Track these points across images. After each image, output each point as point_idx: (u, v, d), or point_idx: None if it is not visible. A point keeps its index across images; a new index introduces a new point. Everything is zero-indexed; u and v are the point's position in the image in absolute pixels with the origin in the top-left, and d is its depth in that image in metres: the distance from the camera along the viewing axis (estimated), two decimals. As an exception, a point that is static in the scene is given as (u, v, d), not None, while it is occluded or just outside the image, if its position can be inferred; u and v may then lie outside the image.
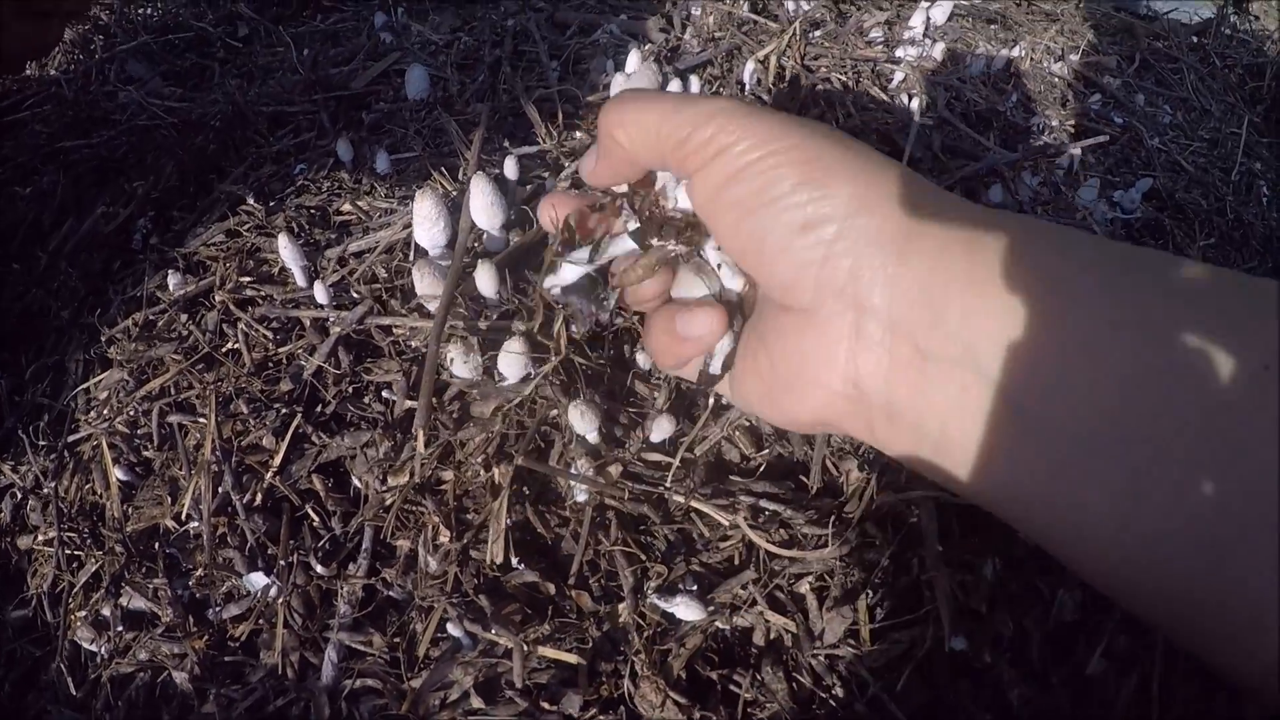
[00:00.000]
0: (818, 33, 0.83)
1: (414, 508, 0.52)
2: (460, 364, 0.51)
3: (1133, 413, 0.24)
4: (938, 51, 0.90)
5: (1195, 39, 1.24)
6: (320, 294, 0.57)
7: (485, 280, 0.54)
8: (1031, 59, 1.02)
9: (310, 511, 0.53)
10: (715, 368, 0.35)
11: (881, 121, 0.76)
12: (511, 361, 0.51)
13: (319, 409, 0.56)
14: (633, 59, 0.66)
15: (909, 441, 0.29)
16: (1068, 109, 0.98)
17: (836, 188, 0.28)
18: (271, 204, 0.63)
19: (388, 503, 0.51)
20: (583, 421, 0.50)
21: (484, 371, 0.53)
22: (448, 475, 0.52)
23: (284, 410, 0.55)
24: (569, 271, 0.36)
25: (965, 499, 0.29)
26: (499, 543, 0.50)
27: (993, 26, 1.12)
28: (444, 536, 0.51)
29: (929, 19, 0.96)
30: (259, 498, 0.53)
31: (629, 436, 0.52)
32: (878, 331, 0.28)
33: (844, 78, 0.77)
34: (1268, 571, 0.21)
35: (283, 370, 0.57)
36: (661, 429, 0.51)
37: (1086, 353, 0.25)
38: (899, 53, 0.88)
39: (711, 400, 0.52)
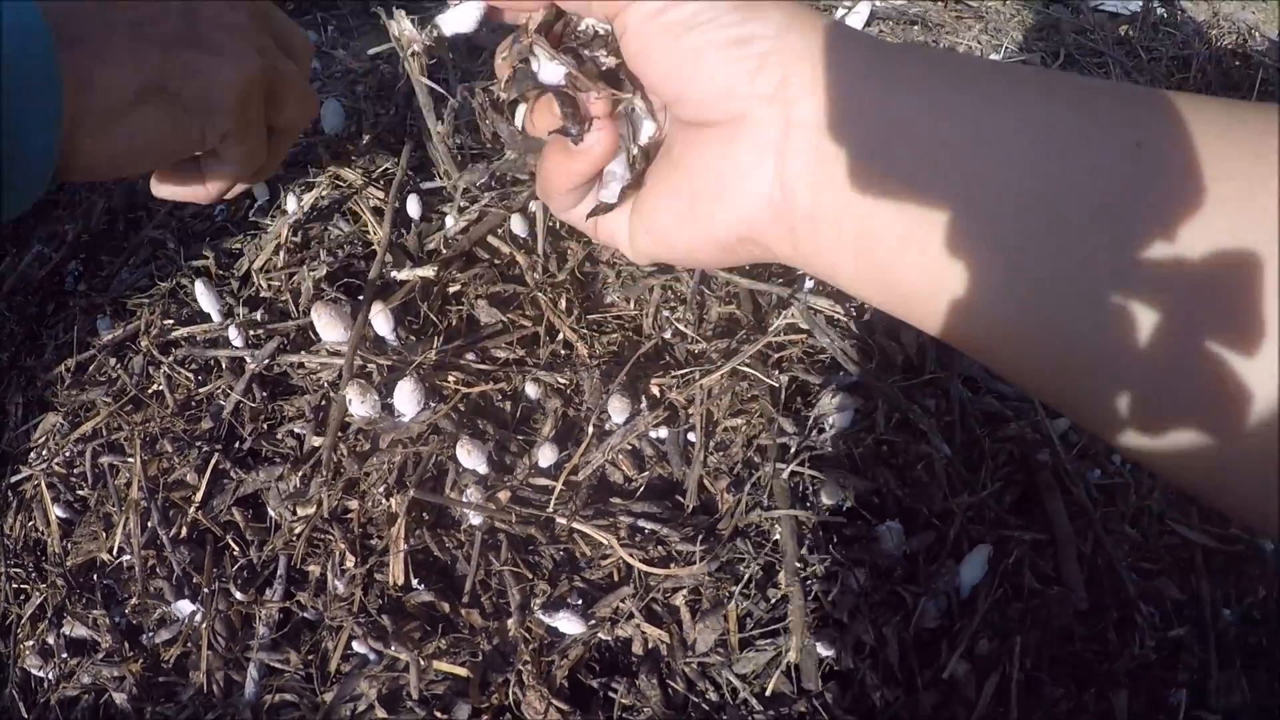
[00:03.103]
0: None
1: (323, 535, 0.56)
2: (358, 403, 0.56)
3: (1024, 185, 0.26)
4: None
5: (1122, 32, 1.25)
6: (234, 335, 0.61)
7: (381, 322, 0.58)
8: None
9: (230, 542, 0.58)
10: (609, 194, 0.35)
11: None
12: (406, 398, 0.56)
13: (237, 445, 0.60)
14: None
15: (829, 244, 0.31)
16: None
17: (768, 11, 0.31)
18: (192, 247, 0.67)
19: (298, 532, 0.56)
20: (470, 458, 0.54)
21: (382, 408, 0.57)
22: (353, 504, 0.57)
23: (205, 448, 0.59)
24: (550, 69, 0.34)
25: (875, 301, 0.32)
26: (399, 566, 0.55)
27: (915, 28, 1.14)
28: (350, 561, 0.55)
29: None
30: (184, 530, 0.58)
31: (518, 463, 0.56)
32: (804, 134, 0.30)
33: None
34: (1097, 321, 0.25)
35: (203, 410, 0.61)
36: (547, 456, 0.56)
37: (976, 132, 0.27)
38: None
39: (591, 430, 0.56)
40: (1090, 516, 0.59)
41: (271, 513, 0.58)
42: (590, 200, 0.36)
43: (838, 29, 0.31)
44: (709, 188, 0.32)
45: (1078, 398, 0.28)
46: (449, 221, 0.64)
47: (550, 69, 0.33)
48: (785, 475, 0.52)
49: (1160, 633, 0.57)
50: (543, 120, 0.34)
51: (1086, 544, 0.58)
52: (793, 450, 0.53)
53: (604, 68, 0.34)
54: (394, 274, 0.61)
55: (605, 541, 0.54)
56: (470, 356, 0.58)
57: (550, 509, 0.55)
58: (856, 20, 0.98)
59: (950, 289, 0.28)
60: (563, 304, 0.61)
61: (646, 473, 0.56)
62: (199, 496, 0.58)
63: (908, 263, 0.29)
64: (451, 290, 0.62)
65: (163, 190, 0.52)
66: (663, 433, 0.57)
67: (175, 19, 0.47)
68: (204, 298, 0.61)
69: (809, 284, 0.64)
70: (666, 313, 0.61)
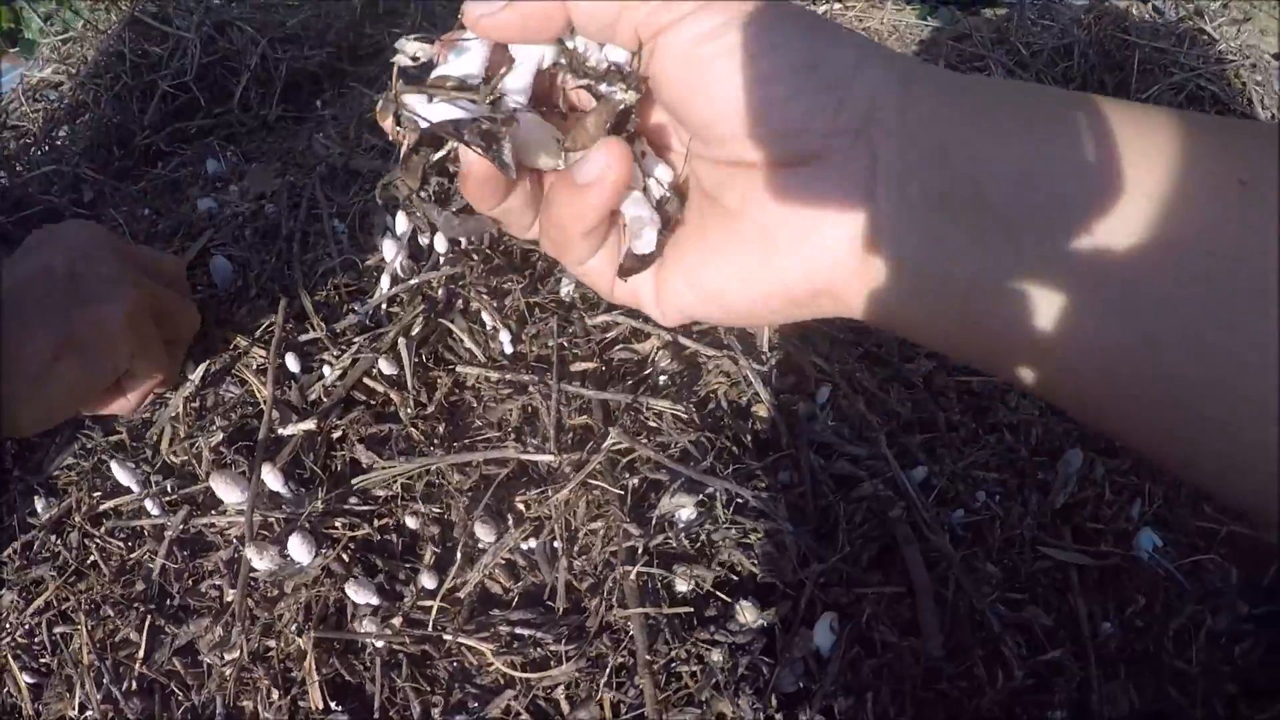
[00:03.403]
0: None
1: (250, 675, 0.64)
2: (258, 560, 0.64)
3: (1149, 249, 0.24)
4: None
5: (999, 33, 1.29)
6: (150, 505, 0.69)
7: (273, 480, 0.66)
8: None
9: (175, 689, 0.66)
10: (644, 244, 0.31)
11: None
12: (299, 549, 0.63)
13: (169, 602, 0.68)
14: (388, 248, 0.76)
15: (910, 294, 0.28)
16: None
17: (842, 38, 0.28)
18: (107, 423, 0.75)
19: (228, 675, 0.64)
20: (360, 594, 0.62)
21: (282, 555, 0.65)
22: (271, 644, 0.65)
23: (141, 608, 0.68)
24: (429, 109, 0.29)
25: (958, 353, 0.30)
26: (316, 694, 0.63)
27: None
28: (275, 694, 0.64)
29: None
30: (133, 684, 0.66)
31: (407, 590, 0.64)
32: (891, 176, 0.27)
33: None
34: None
35: (136, 574, 0.69)
36: (430, 580, 0.64)
37: (1078, 175, 0.25)
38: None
39: (460, 556, 0.64)
40: (950, 560, 0.65)
41: (204, 658, 0.66)
42: (610, 253, 0.32)
43: (916, 63, 0.29)
44: (784, 235, 0.29)
45: (1194, 452, 0.25)
46: (326, 371, 0.72)
47: (435, 108, 0.29)
48: (632, 577, 0.59)
49: (1032, 659, 0.62)
50: (476, 182, 0.30)
51: (948, 588, 0.65)
52: (640, 551, 0.60)
53: (621, 106, 0.30)
54: (281, 431, 0.69)
55: (488, 651, 0.62)
56: (354, 500, 0.66)
57: (436, 628, 0.63)
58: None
59: (1048, 341, 0.26)
60: (439, 433, 0.69)
61: (521, 582, 0.64)
62: (141, 653, 0.66)
63: (1003, 316, 0.26)
64: (335, 436, 0.70)
65: (89, 409, 0.63)
66: (532, 544, 0.65)
67: (64, 285, 0.57)
68: (120, 474, 0.69)
69: (663, 376, 0.71)
70: (528, 429, 0.69)
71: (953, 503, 0.69)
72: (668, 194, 0.32)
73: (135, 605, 0.68)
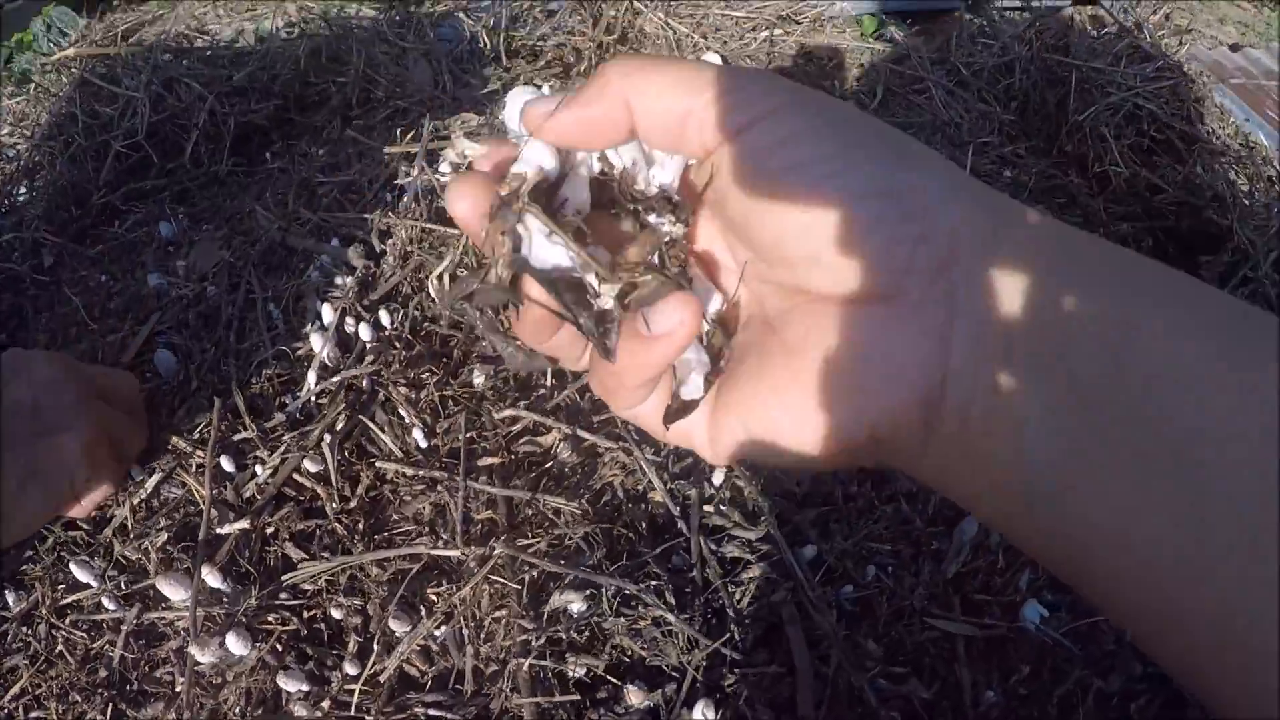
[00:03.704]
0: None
1: (202, 755, 0.72)
2: (200, 654, 0.71)
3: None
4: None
5: (940, 52, 1.29)
6: (107, 601, 0.76)
7: (213, 578, 0.73)
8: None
9: (138, 765, 0.74)
10: (692, 389, 0.29)
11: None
12: (235, 643, 0.71)
13: (128, 688, 0.76)
14: (315, 341, 0.81)
15: (973, 454, 0.25)
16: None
17: (925, 161, 0.26)
18: (64, 521, 0.82)
19: (182, 755, 0.72)
20: (290, 682, 0.69)
21: (221, 648, 0.72)
22: (219, 727, 0.72)
23: (105, 694, 0.75)
24: (545, 248, 0.27)
25: (1005, 528, 0.26)
26: (259, 773, 0.71)
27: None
28: (224, 773, 0.72)
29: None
30: (102, 762, 0.75)
31: (333, 675, 0.71)
32: (968, 325, 0.25)
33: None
34: None
35: (99, 662, 0.77)
36: (353, 668, 0.71)
37: (1173, 358, 0.22)
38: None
39: (377, 646, 0.70)
40: (832, 639, 0.71)
41: (162, 740, 0.74)
42: (661, 396, 0.30)
43: (1006, 201, 0.26)
44: (847, 380, 0.26)
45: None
46: (258, 470, 0.78)
47: (547, 249, 0.26)
48: (525, 668, 0.66)
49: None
50: (533, 323, 0.27)
51: (829, 665, 0.69)
52: (532, 643, 0.67)
53: (667, 239, 0.28)
54: (218, 530, 0.75)
55: (406, 732, 0.69)
56: (284, 595, 0.73)
57: (360, 710, 0.70)
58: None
59: (1145, 547, 0.22)
60: (359, 529, 0.75)
61: (434, 666, 0.71)
62: (106, 734, 0.75)
63: (1074, 510, 0.23)
64: (269, 533, 0.76)
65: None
66: (443, 631, 0.71)
67: (29, 417, 0.65)
68: (78, 572, 0.76)
69: (565, 466, 0.77)
70: (440, 523, 0.75)
71: (842, 579, 0.74)
72: (714, 329, 0.29)
73: (99, 691, 0.76)
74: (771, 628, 0.72)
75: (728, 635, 0.70)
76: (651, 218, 0.28)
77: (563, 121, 0.27)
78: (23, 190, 1.29)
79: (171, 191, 1.25)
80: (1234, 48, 1.38)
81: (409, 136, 1.03)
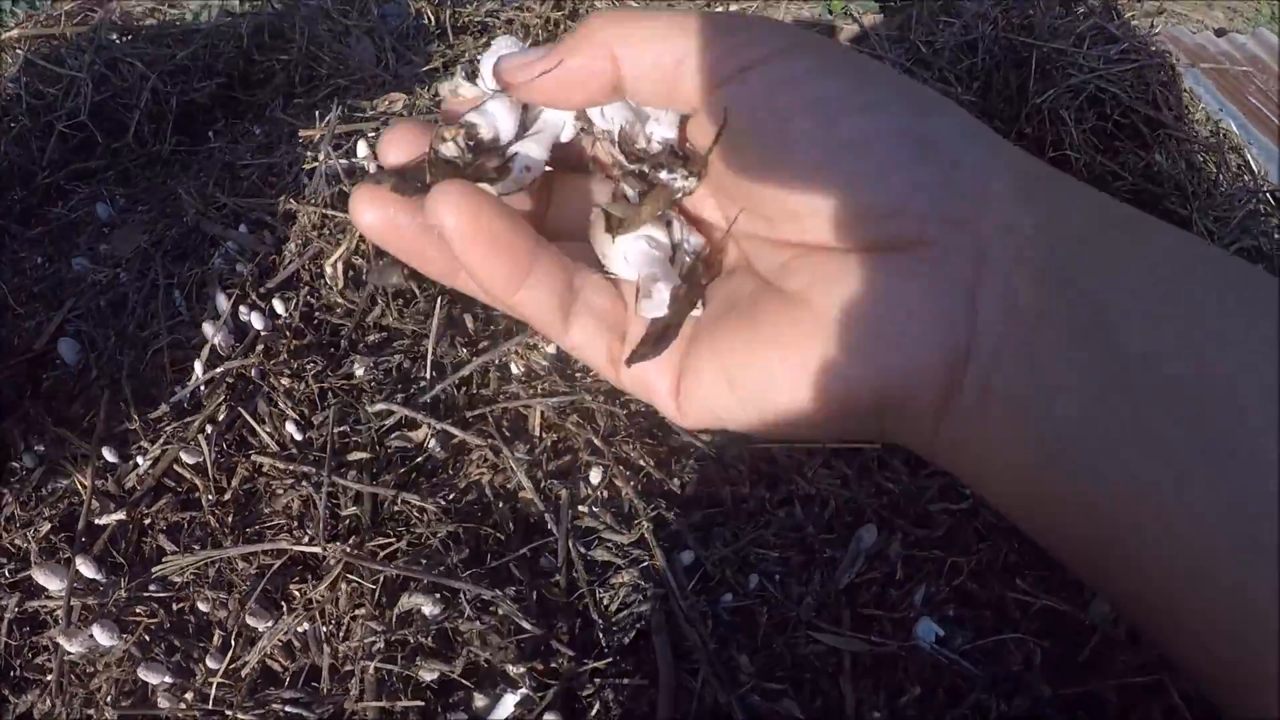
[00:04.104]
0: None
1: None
2: (68, 645, 0.72)
3: None
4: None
5: (900, 30, 1.23)
6: (-7, 587, 0.78)
7: (89, 568, 0.74)
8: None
9: (20, 748, 0.76)
10: (656, 305, 0.26)
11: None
12: (102, 634, 0.71)
13: (11, 674, 0.77)
14: (207, 329, 0.81)
15: (994, 427, 0.23)
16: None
17: (947, 108, 0.24)
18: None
19: (57, 741, 0.73)
20: (153, 676, 0.70)
21: (90, 637, 0.72)
22: (92, 712, 0.73)
23: (-11, 677, 0.77)
24: (634, 243, 0.26)
25: (1021, 509, 0.24)
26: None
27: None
28: (96, 759, 0.73)
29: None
30: (-11, 744, 0.76)
31: (198, 668, 0.72)
32: (1000, 281, 0.22)
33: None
34: None
35: (-14, 645, 0.78)
36: (216, 662, 0.71)
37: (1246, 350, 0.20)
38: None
39: (240, 641, 0.70)
40: (702, 651, 0.68)
41: (42, 726, 0.76)
42: (606, 338, 0.27)
43: (1032, 158, 0.24)
44: (857, 332, 0.23)
45: None
46: (140, 461, 0.78)
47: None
48: (370, 671, 0.65)
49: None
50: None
51: (697, 679, 0.67)
52: (380, 645, 0.66)
53: (680, 194, 0.26)
54: (97, 520, 0.76)
55: (264, 728, 0.69)
56: (153, 586, 0.73)
57: (221, 704, 0.70)
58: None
59: (1187, 521, 0.20)
60: (229, 523, 0.75)
61: (296, 662, 0.71)
62: (-7, 717, 0.76)
63: (1108, 485, 0.21)
64: (146, 523, 0.76)
65: None
66: (306, 626, 0.71)
67: None
68: (-34, 561, 0.78)
69: (434, 461, 0.75)
70: (307, 517, 0.74)
71: (721, 587, 0.72)
72: (693, 259, 0.26)
73: (-14, 674, 0.78)
74: (641, 635, 0.70)
75: (591, 643, 0.68)
76: (662, 174, 0.26)
77: (537, 74, 0.25)
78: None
79: (115, 171, 1.25)
80: (1219, 32, 1.29)
81: (327, 120, 1.02)
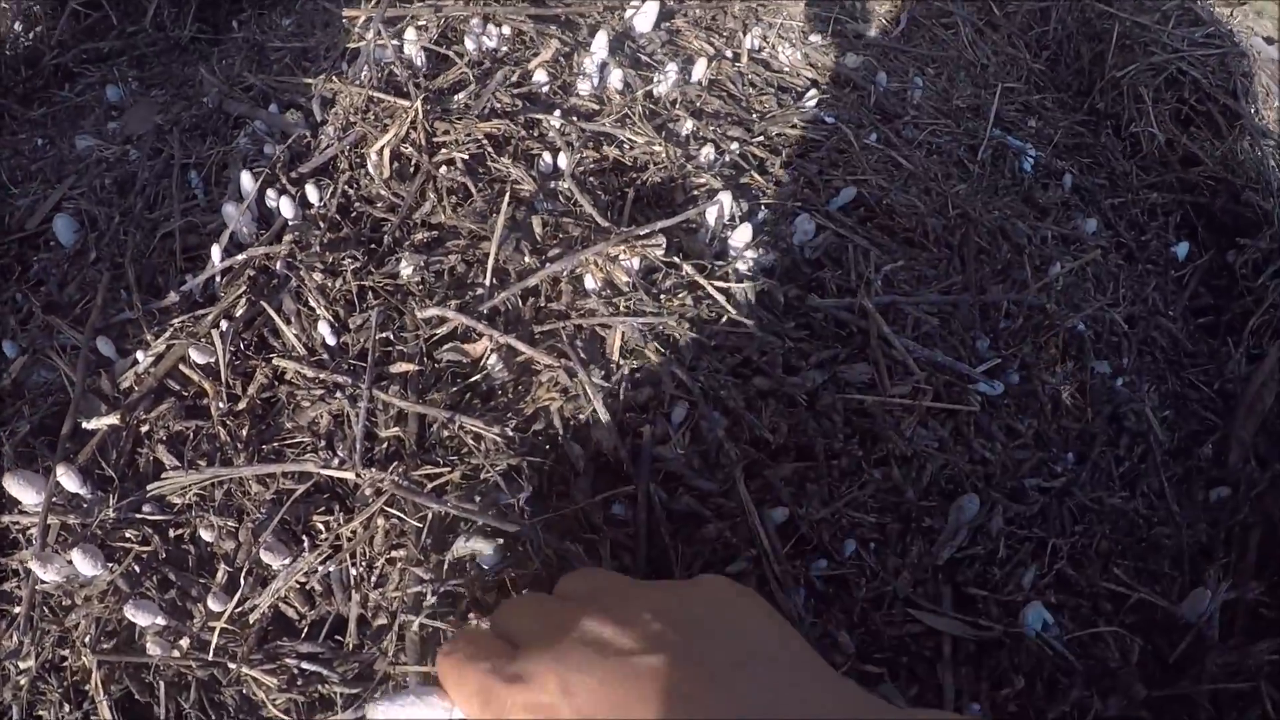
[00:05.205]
0: (460, 96, 0.79)
1: (44, 684, 0.61)
2: (43, 573, 0.59)
3: None
4: (615, 80, 0.84)
5: None
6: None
7: (71, 480, 0.61)
8: (750, 54, 0.94)
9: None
10: None
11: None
12: (83, 562, 0.59)
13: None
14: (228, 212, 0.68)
15: None
16: (768, 118, 0.90)
17: None
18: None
19: (23, 685, 0.61)
20: (140, 615, 0.57)
21: (69, 564, 0.60)
22: (66, 653, 0.61)
23: (-52, 603, 0.64)
24: None
25: None
26: (105, 711, 0.59)
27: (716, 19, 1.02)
28: (67, 708, 0.60)
29: (632, 28, 0.89)
30: (-59, 681, 0.64)
31: (196, 609, 0.59)
32: None
33: (465, 156, 0.74)
34: None
35: (-54, 565, 0.66)
36: (219, 602, 0.58)
37: None
38: (569, 97, 0.83)
39: (250, 579, 0.58)
40: (800, 624, 0.57)
41: (3, 664, 0.63)
42: None
43: None
44: None
45: None
46: (139, 356, 0.65)
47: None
48: (415, 628, 0.53)
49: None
50: None
51: None
52: (427, 597, 0.54)
53: None
54: (85, 424, 0.63)
55: (273, 684, 0.57)
56: (148, 508, 0.61)
57: (223, 654, 0.58)
58: (645, 21, 0.90)
59: None
60: (243, 436, 0.62)
61: (315, 609, 0.58)
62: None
63: None
64: (142, 431, 0.64)
65: None
66: (330, 568, 0.58)
67: None
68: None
69: (495, 383, 0.63)
70: (338, 437, 0.61)
71: (816, 550, 0.59)
72: None
73: (-56, 600, 0.65)
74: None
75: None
76: None
77: None
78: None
79: (129, 56, 1.12)
80: (1269, 40, 1.19)
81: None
